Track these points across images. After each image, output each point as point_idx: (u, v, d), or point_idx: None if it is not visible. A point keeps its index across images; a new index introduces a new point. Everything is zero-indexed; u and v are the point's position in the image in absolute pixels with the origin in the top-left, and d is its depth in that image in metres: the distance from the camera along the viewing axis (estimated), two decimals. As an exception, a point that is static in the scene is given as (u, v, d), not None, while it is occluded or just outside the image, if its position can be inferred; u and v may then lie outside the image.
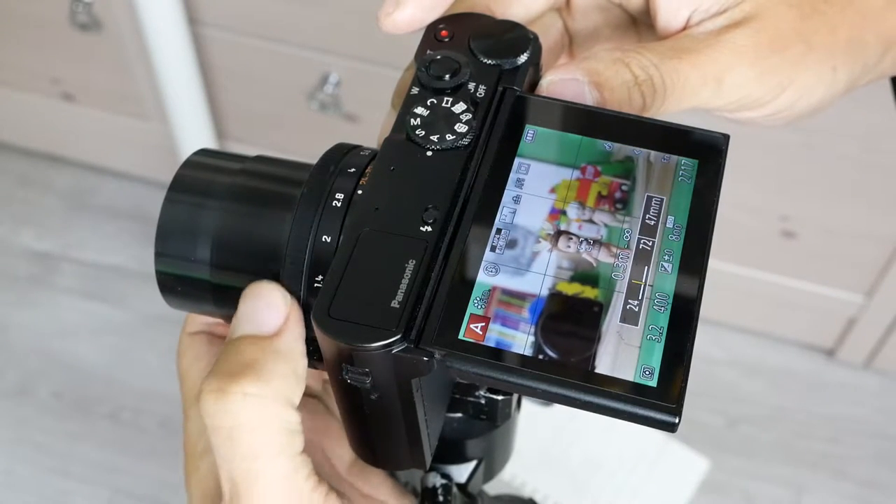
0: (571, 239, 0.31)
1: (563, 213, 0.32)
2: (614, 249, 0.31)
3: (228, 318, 0.37)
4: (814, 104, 0.38)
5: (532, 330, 0.29)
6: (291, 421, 0.31)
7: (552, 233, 0.31)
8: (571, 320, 0.30)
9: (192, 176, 0.36)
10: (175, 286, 0.36)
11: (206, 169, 0.36)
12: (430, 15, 0.37)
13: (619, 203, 0.32)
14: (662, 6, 0.38)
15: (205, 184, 0.36)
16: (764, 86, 0.37)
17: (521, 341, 0.29)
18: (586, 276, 0.30)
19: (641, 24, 0.41)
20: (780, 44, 0.36)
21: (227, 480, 0.31)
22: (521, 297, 0.30)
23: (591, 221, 0.32)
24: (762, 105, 0.37)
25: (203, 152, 0.37)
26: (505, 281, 0.30)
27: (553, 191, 0.32)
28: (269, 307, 0.32)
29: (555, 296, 0.30)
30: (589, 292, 0.30)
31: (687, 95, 0.36)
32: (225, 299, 0.35)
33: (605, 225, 0.31)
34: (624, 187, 0.32)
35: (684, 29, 0.38)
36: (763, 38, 0.36)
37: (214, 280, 0.35)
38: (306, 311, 0.33)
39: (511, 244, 0.31)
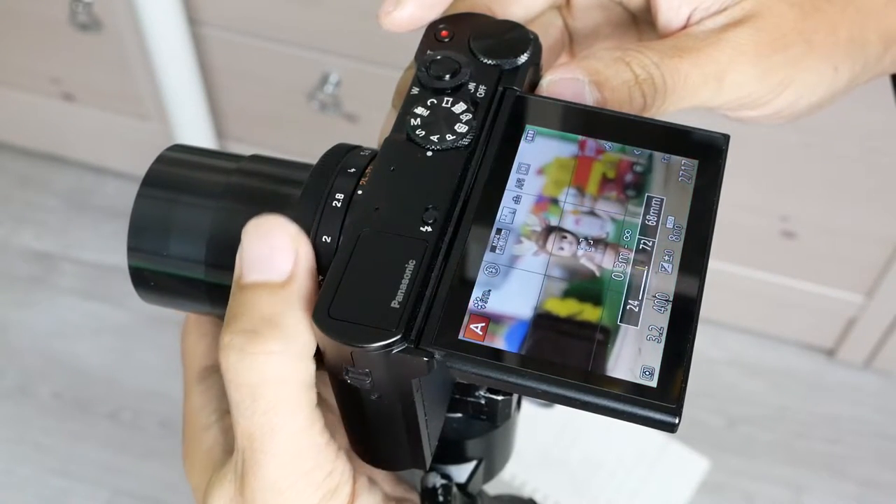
0: (566, 238, 0.28)
1: (555, 201, 0.28)
2: (623, 252, 0.28)
3: (221, 317, 0.37)
4: (815, 103, 0.38)
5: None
6: (310, 374, 0.31)
7: (539, 229, 0.28)
8: (564, 354, 0.27)
9: (168, 171, 0.36)
10: (149, 281, 0.36)
11: (183, 165, 0.36)
12: (429, 14, 0.37)
13: (631, 189, 0.28)
14: (663, 4, 0.38)
15: (189, 180, 0.36)
16: (765, 85, 0.37)
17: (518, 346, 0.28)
18: (586, 290, 0.27)
19: (642, 22, 0.41)
20: (781, 43, 0.36)
21: (244, 435, 0.31)
22: (496, 319, 0.26)
23: (592, 214, 0.28)
24: (763, 104, 0.37)
25: (177, 148, 0.37)
26: (485, 292, 0.26)
27: (542, 172, 0.28)
28: (278, 250, 0.31)
29: (542, 318, 0.27)
30: (589, 313, 0.26)
31: (688, 94, 0.36)
32: (222, 298, 0.35)
33: (612, 219, 0.28)
34: (638, 168, 0.28)
35: (685, 27, 0.38)
36: (764, 37, 0.36)
37: (210, 279, 0.35)
38: None
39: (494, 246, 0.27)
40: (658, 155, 0.33)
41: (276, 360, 0.30)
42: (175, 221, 0.35)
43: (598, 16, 0.41)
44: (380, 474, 0.39)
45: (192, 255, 0.35)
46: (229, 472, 0.33)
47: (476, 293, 0.30)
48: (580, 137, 0.32)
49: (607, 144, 0.33)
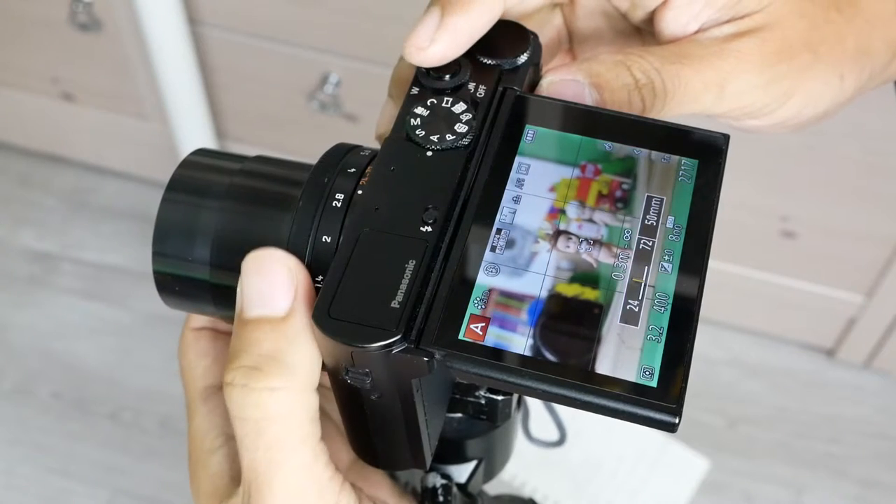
0: (571, 239, 0.31)
1: (563, 212, 0.32)
2: (615, 250, 0.31)
3: (228, 319, 0.37)
4: (820, 113, 0.38)
5: (530, 332, 0.29)
6: (313, 407, 0.31)
7: (551, 233, 0.31)
8: (571, 322, 0.30)
9: (190, 176, 0.36)
10: (173, 286, 0.36)
11: (204, 169, 0.36)
12: (461, 50, 0.36)
13: (620, 202, 0.32)
14: (672, 21, 0.37)
15: (203, 184, 0.36)
16: (769, 94, 0.36)
17: (520, 344, 0.29)
18: (586, 276, 0.30)
19: (646, 33, 0.41)
20: (787, 53, 0.36)
21: (249, 469, 0.31)
22: (519, 298, 0.30)
23: (591, 221, 0.31)
24: (767, 113, 0.37)
25: (201, 152, 0.37)
26: (503, 282, 0.30)
27: (552, 189, 0.32)
28: (277, 284, 0.31)
29: (554, 297, 0.30)
30: (589, 294, 0.30)
31: (688, 101, 0.36)
32: (224, 300, 0.35)
33: (606, 224, 0.31)
34: (625, 186, 0.32)
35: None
36: (769, 48, 0.36)
37: (214, 280, 0.35)
38: None
39: (510, 244, 0.31)
40: (658, 155, 0.33)
41: (279, 396, 0.30)
42: (193, 224, 0.35)
43: (601, 21, 0.41)
44: (384, 490, 0.39)
45: (202, 256, 0.35)
46: None
47: (476, 293, 0.30)
48: (582, 161, 0.33)
49: (607, 145, 0.34)
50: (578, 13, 0.41)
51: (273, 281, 0.31)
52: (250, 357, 0.31)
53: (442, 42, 0.35)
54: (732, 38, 0.36)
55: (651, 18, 0.38)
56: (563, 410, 1.37)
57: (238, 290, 0.32)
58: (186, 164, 0.36)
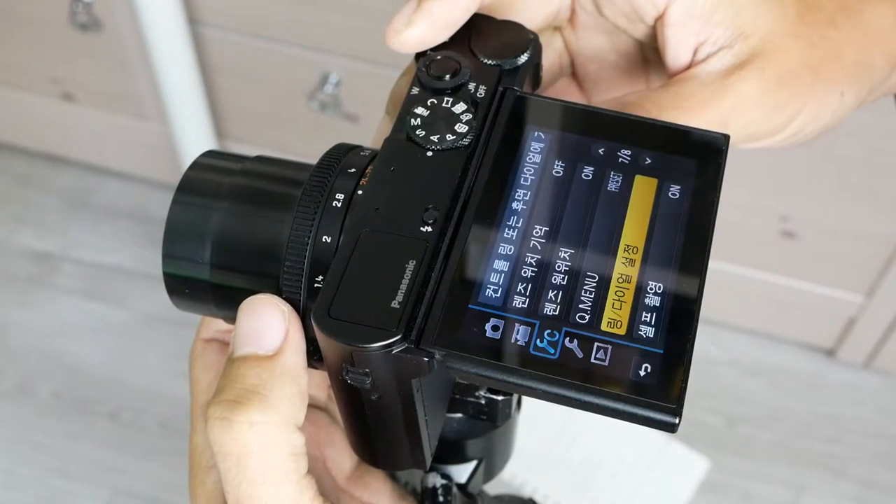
0: (574, 240, 0.32)
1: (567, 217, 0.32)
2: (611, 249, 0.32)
3: (230, 320, 0.37)
4: (820, 129, 0.38)
5: (539, 322, 0.30)
6: (297, 444, 0.32)
7: (557, 235, 0.32)
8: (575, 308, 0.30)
9: (198, 178, 0.36)
10: (182, 288, 0.36)
11: (212, 170, 0.36)
12: (440, 36, 0.36)
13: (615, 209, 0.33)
14: (671, 38, 0.37)
15: (207, 185, 0.36)
16: (772, 121, 0.37)
17: (528, 332, 0.30)
18: (586, 270, 0.31)
19: (648, 49, 0.41)
20: (788, 78, 0.36)
21: (233, 503, 0.32)
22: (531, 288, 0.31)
23: (590, 225, 0.32)
24: (769, 136, 0.38)
25: (211, 154, 0.37)
26: (519, 274, 0.31)
27: (556, 195, 0.33)
28: (269, 325, 0.32)
29: (559, 286, 0.31)
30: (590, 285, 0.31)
31: None
32: (225, 300, 0.35)
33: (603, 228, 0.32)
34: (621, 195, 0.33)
35: (691, 62, 0.37)
36: (770, 76, 0.36)
37: (214, 280, 0.35)
38: (306, 312, 0.33)
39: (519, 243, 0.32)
40: (656, 155, 0.34)
41: (258, 430, 0.30)
42: (199, 226, 0.35)
43: (602, 40, 0.41)
44: (384, 495, 0.39)
45: (206, 257, 0.35)
46: None
47: (476, 293, 0.30)
48: (581, 167, 0.33)
49: (606, 145, 0.34)
50: (580, 34, 0.41)
51: (265, 321, 0.32)
52: (233, 391, 0.31)
53: (418, 25, 0.35)
54: (732, 71, 0.36)
55: (653, 33, 0.38)
56: (562, 410, 1.36)
57: (233, 332, 0.33)
58: (195, 166, 0.36)
